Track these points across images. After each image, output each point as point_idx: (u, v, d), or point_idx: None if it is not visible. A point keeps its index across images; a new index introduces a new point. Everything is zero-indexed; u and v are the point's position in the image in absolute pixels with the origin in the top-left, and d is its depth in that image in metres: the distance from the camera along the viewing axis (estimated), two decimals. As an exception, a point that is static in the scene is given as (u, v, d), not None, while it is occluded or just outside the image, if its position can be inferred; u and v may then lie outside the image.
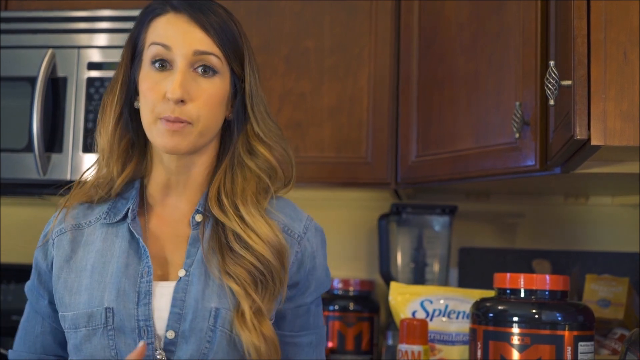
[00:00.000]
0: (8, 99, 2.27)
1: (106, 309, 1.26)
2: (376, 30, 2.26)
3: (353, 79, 2.26)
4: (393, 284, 1.85)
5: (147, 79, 1.30)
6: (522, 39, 1.82)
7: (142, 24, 1.35)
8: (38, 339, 1.39)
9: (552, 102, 1.40)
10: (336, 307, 2.35)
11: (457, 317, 1.77)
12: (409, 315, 1.79)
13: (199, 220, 1.34)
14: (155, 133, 1.29)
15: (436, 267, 2.38)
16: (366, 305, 2.38)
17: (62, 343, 1.37)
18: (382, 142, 2.22)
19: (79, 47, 2.26)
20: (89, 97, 2.23)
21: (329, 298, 2.39)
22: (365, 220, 2.57)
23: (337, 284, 2.39)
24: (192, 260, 1.31)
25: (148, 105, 1.29)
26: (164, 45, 1.29)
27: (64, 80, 2.25)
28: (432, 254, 2.39)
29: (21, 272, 2.57)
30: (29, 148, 2.21)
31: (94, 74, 2.24)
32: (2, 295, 2.55)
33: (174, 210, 1.37)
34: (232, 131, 1.38)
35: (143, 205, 1.37)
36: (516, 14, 1.84)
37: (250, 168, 1.36)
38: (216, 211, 1.31)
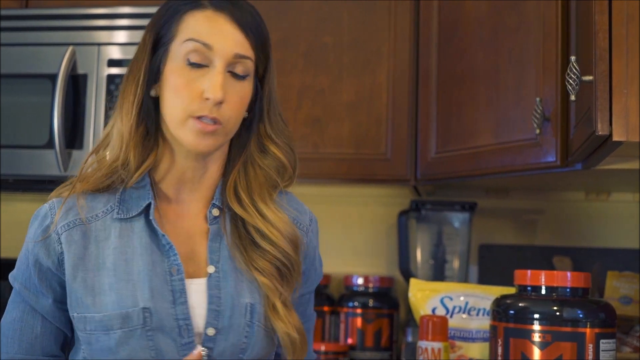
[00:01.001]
0: (29, 95, 2.29)
1: (143, 309, 1.24)
2: (395, 26, 2.26)
3: (372, 75, 2.25)
4: (413, 281, 1.84)
5: (181, 75, 1.28)
6: (542, 34, 1.81)
7: (173, 13, 1.31)
8: (37, 340, 1.31)
9: (573, 97, 1.39)
10: (356, 303, 2.35)
11: (477, 314, 1.76)
12: (429, 312, 1.78)
13: (216, 214, 1.35)
14: (186, 132, 1.28)
15: (456, 263, 2.37)
16: (386, 301, 2.38)
17: (61, 344, 1.34)
18: (401, 139, 2.22)
19: (99, 44, 2.27)
20: (109, 94, 2.24)
21: (349, 294, 2.39)
22: (385, 217, 2.56)
23: (357, 281, 2.39)
24: (218, 256, 1.32)
25: (180, 103, 1.27)
26: (204, 44, 1.27)
27: (84, 77, 2.26)
28: (451, 251, 2.38)
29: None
30: (50, 145, 2.23)
31: (114, 70, 2.25)
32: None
33: (188, 205, 1.36)
34: (247, 130, 1.37)
35: (155, 200, 1.35)
36: (536, 8, 1.83)
37: (261, 166, 1.37)
38: (236, 207, 1.33)
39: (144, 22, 2.23)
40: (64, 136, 2.21)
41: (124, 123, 1.31)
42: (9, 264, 2.62)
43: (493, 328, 1.55)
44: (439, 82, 2.15)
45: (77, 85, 2.26)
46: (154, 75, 1.32)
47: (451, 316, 1.77)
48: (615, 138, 1.29)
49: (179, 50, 1.29)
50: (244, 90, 1.31)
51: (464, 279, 2.37)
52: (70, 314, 1.29)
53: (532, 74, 1.83)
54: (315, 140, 2.24)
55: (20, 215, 2.76)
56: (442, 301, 1.79)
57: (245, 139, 1.38)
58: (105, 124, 2.19)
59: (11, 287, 1.37)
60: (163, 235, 1.29)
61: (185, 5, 1.31)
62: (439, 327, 1.69)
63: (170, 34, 1.30)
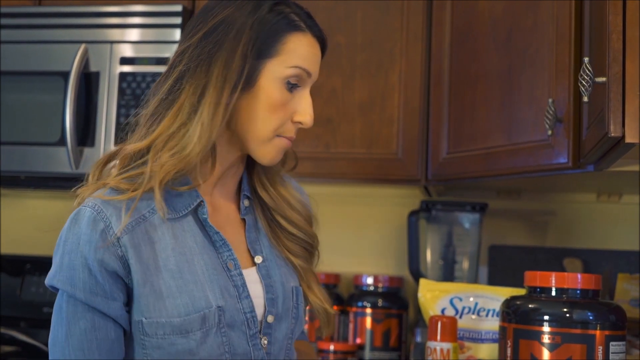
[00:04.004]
0: (41, 93, 2.30)
1: (217, 308, 1.26)
2: (408, 26, 2.25)
3: (384, 75, 2.25)
4: (422, 281, 1.84)
5: (280, 97, 1.30)
6: (555, 35, 1.80)
7: (275, 30, 1.30)
8: (114, 345, 1.26)
9: (586, 99, 1.38)
10: (365, 303, 2.35)
11: (487, 315, 1.76)
12: (438, 313, 1.78)
13: (247, 205, 1.40)
14: (269, 148, 1.32)
15: (466, 264, 2.37)
16: (395, 302, 2.38)
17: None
18: (413, 139, 2.22)
19: (112, 42, 2.28)
20: (121, 92, 2.25)
21: (358, 294, 2.39)
22: (395, 217, 2.56)
23: (366, 280, 2.39)
24: (260, 245, 1.38)
25: (273, 123, 1.30)
26: (307, 72, 1.33)
27: (97, 74, 2.27)
28: (461, 252, 2.38)
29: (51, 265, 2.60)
30: (61, 142, 2.24)
31: (126, 68, 2.26)
32: (33, 287, 2.58)
33: (218, 199, 1.38)
34: None
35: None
36: (550, 10, 1.83)
37: None
38: (264, 195, 1.41)
39: (156, 20, 2.26)
40: (75, 134, 2.22)
41: (211, 127, 1.26)
42: (18, 259, 2.65)
43: (502, 329, 1.55)
44: (452, 83, 2.15)
45: (89, 82, 2.27)
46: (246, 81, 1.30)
47: (460, 317, 1.77)
48: (628, 140, 1.28)
49: (282, 71, 1.30)
50: None
51: (474, 279, 2.36)
52: (136, 319, 1.25)
53: (545, 75, 1.83)
54: (327, 140, 2.24)
55: (32, 212, 2.78)
56: (451, 302, 1.79)
57: None
58: (117, 121, 2.22)
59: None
60: (217, 232, 1.31)
61: (287, 25, 1.31)
62: (448, 328, 1.69)
63: (272, 51, 1.30)
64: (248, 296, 1.31)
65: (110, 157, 1.34)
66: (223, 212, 1.38)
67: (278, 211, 1.40)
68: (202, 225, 1.32)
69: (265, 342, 1.33)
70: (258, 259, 1.37)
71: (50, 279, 1.28)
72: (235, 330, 1.28)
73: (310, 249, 1.43)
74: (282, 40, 1.30)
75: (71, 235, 1.26)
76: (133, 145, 1.29)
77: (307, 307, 1.46)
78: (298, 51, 1.31)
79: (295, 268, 1.41)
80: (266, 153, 1.32)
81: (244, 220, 1.40)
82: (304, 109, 1.33)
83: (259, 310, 1.33)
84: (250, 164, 1.41)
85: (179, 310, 1.24)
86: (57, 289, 1.28)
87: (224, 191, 1.39)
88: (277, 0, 1.33)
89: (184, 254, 1.27)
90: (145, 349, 1.25)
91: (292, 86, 1.31)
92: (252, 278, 1.34)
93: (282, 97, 1.30)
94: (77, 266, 1.24)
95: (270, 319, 1.34)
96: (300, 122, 1.33)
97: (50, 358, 1.26)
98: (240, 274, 1.32)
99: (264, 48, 1.29)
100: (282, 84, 1.30)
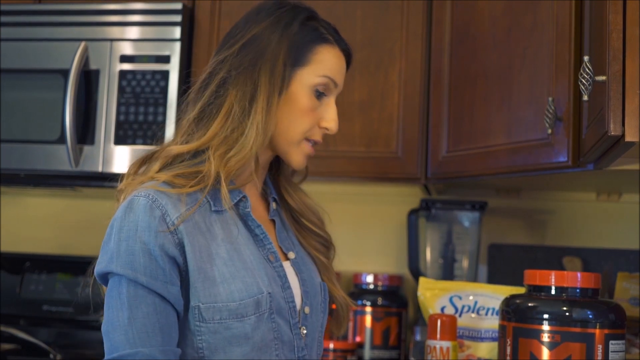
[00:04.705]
0: (41, 91, 2.30)
1: (269, 294, 1.33)
2: (408, 24, 2.25)
3: (384, 74, 2.25)
4: (422, 280, 1.84)
5: (309, 102, 1.41)
6: (555, 34, 1.80)
7: (307, 41, 1.41)
8: (172, 330, 1.28)
9: (585, 97, 1.38)
10: (365, 301, 2.35)
11: (487, 314, 1.76)
12: (438, 311, 1.78)
13: (275, 207, 1.50)
14: (297, 151, 1.43)
15: (465, 263, 2.37)
16: (395, 300, 2.38)
17: None
18: (412, 137, 2.22)
19: (112, 40, 2.28)
20: (121, 90, 2.25)
21: (358, 292, 2.39)
22: (395, 215, 2.56)
23: (366, 279, 2.40)
24: (290, 243, 1.47)
25: (302, 126, 1.42)
26: (334, 82, 1.43)
27: (97, 72, 2.27)
28: (461, 250, 2.38)
29: (52, 263, 2.61)
30: (61, 140, 2.24)
31: (126, 66, 2.26)
32: (32, 285, 2.58)
33: (252, 198, 1.45)
34: None
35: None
36: (550, 9, 1.83)
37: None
38: (290, 200, 1.52)
39: (156, 18, 2.26)
40: (75, 132, 2.22)
41: (266, 129, 1.37)
42: (18, 257, 2.64)
43: (502, 328, 1.55)
44: (451, 82, 2.15)
45: (89, 80, 2.27)
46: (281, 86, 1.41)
47: (460, 315, 1.77)
48: (628, 139, 1.28)
49: (312, 79, 1.41)
50: None
51: (473, 278, 2.36)
52: (192, 304, 1.29)
53: (545, 74, 1.83)
54: (327, 138, 2.23)
55: (31, 210, 2.78)
56: (451, 300, 1.79)
57: None
58: (117, 119, 2.22)
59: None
60: (259, 226, 1.39)
61: (318, 37, 1.43)
62: (448, 326, 1.69)
63: (304, 60, 1.41)
64: (289, 287, 1.39)
65: (147, 158, 1.41)
66: (255, 211, 1.45)
67: (302, 214, 1.52)
68: (243, 219, 1.40)
69: (304, 332, 1.41)
70: (291, 255, 1.45)
71: (105, 265, 1.29)
72: (281, 317, 1.36)
73: (328, 245, 1.55)
74: (314, 51, 1.42)
75: (127, 222, 1.29)
76: (179, 146, 1.37)
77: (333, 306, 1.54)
78: (327, 62, 1.43)
79: (317, 265, 1.52)
80: (293, 155, 1.43)
81: (271, 220, 1.48)
82: (330, 116, 1.44)
83: (297, 301, 1.41)
84: (272, 172, 1.53)
85: (233, 295, 1.30)
86: (107, 278, 1.30)
87: (253, 193, 1.47)
88: (308, 14, 1.44)
89: (232, 243, 1.35)
90: (200, 335, 1.30)
91: (319, 94, 1.42)
92: (288, 271, 1.42)
93: (310, 103, 1.41)
94: (137, 251, 1.27)
95: (307, 310, 1.42)
96: (326, 128, 1.44)
97: (108, 344, 1.27)
98: (281, 266, 1.39)
99: (298, 57, 1.40)
100: (311, 91, 1.41)
